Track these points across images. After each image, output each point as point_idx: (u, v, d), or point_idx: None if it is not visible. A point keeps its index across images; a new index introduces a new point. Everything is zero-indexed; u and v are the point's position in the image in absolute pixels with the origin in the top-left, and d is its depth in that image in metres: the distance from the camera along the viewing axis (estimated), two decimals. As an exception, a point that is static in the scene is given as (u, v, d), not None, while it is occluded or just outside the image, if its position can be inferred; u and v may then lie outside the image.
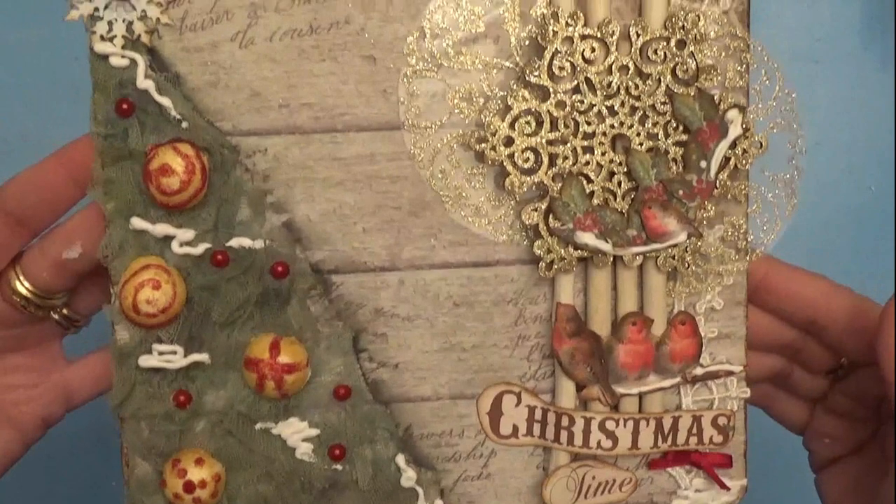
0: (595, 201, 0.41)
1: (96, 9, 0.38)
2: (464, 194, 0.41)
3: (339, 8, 0.40)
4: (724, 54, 0.41)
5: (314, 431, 0.42)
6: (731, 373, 0.43)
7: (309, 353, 0.41)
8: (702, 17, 0.40)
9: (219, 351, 0.41)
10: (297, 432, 0.42)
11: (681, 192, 0.41)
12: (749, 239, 0.43)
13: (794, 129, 0.42)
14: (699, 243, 0.42)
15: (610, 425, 0.42)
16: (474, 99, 0.40)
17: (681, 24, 0.40)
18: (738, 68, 0.41)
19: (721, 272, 0.43)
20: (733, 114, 0.40)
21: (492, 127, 0.40)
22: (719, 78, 0.41)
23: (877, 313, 0.41)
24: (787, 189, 0.42)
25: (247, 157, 0.40)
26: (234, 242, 0.40)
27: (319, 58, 0.40)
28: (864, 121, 0.58)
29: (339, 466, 0.42)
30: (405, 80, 0.40)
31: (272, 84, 0.40)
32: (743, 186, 0.42)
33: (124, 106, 0.39)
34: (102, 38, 0.38)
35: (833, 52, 0.58)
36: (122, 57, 0.39)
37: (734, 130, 0.41)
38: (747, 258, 0.43)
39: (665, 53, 0.40)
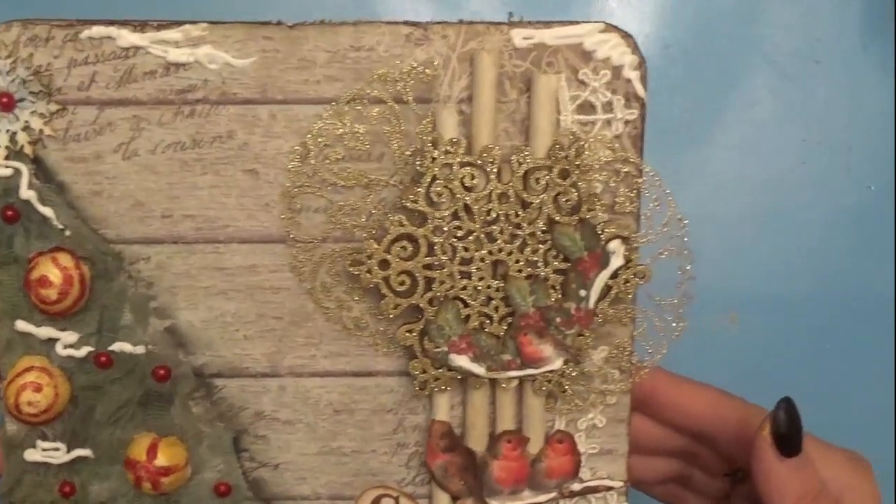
0: (471, 325, 0.41)
1: (-22, 122, 0.38)
2: (345, 307, 0.41)
3: (222, 123, 0.40)
4: (614, 179, 0.40)
5: (195, 525, 0.43)
6: (610, 488, 0.43)
7: (190, 451, 0.42)
8: (587, 147, 0.39)
9: (103, 446, 0.42)
10: (178, 525, 0.43)
11: (558, 319, 0.40)
12: (633, 361, 0.42)
13: (684, 255, 0.41)
14: (579, 367, 0.41)
15: (485, 534, 0.43)
16: (356, 216, 0.40)
17: (564, 153, 0.39)
18: (629, 193, 0.41)
19: (604, 391, 0.43)
20: (615, 244, 0.40)
21: (367, 250, 0.40)
22: (602, 206, 0.40)
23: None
24: (674, 313, 0.42)
25: (130, 265, 0.41)
26: (116, 347, 0.41)
27: (202, 171, 0.40)
28: (864, 121, 0.57)
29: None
30: (287, 195, 0.40)
31: (155, 195, 0.40)
32: (629, 310, 0.41)
33: (9, 213, 0.40)
34: (-16, 149, 0.39)
35: (833, 52, 0.57)
36: (6, 167, 0.39)
37: (616, 261, 0.40)
38: (631, 379, 0.42)
39: (547, 182, 0.39)
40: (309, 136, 0.40)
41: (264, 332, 0.42)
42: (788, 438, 0.39)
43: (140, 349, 0.41)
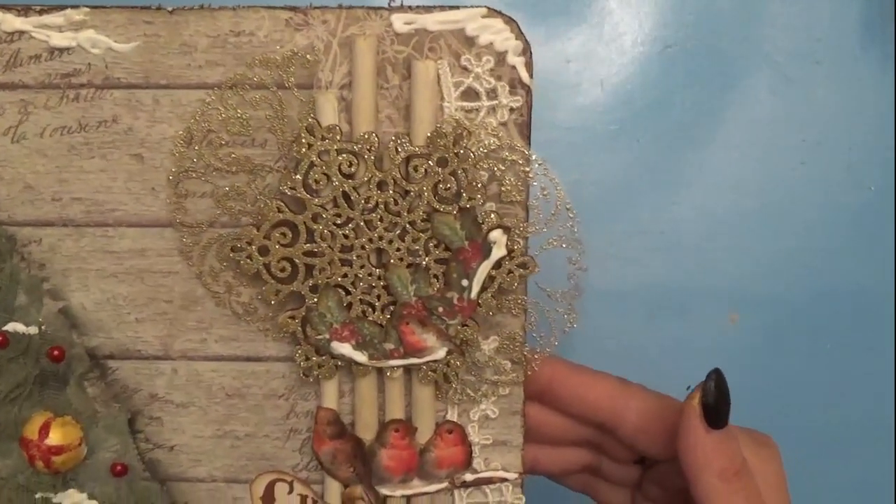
0: (353, 313, 0.40)
1: None
2: (234, 292, 0.41)
3: (107, 107, 0.40)
4: (500, 167, 0.40)
5: (93, 503, 0.44)
6: (505, 479, 0.43)
7: (86, 431, 0.43)
8: (469, 135, 0.39)
9: (3, 424, 0.43)
10: (76, 503, 0.44)
11: (441, 309, 0.40)
12: (525, 351, 0.42)
13: (575, 246, 0.40)
14: (467, 358, 0.41)
15: (377, 522, 0.43)
16: (241, 202, 0.40)
17: (443, 141, 0.38)
18: (516, 182, 0.40)
19: (496, 382, 0.42)
20: (497, 234, 0.39)
21: (247, 236, 0.40)
22: (486, 195, 0.39)
23: (667, 412, 0.41)
24: (566, 304, 0.41)
25: (23, 247, 0.41)
26: (10, 327, 0.42)
27: (89, 154, 0.40)
28: (864, 121, 0.56)
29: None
30: (173, 179, 0.40)
31: (44, 178, 0.41)
32: (519, 300, 0.41)
33: None
34: None
35: (833, 52, 0.56)
36: None
37: (498, 251, 0.39)
38: (523, 370, 0.42)
39: (426, 170, 0.39)
40: (192, 120, 0.40)
41: (155, 315, 0.42)
42: (717, 410, 0.39)
43: (34, 329, 0.42)
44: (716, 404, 0.39)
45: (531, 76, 0.39)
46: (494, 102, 0.39)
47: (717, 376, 0.39)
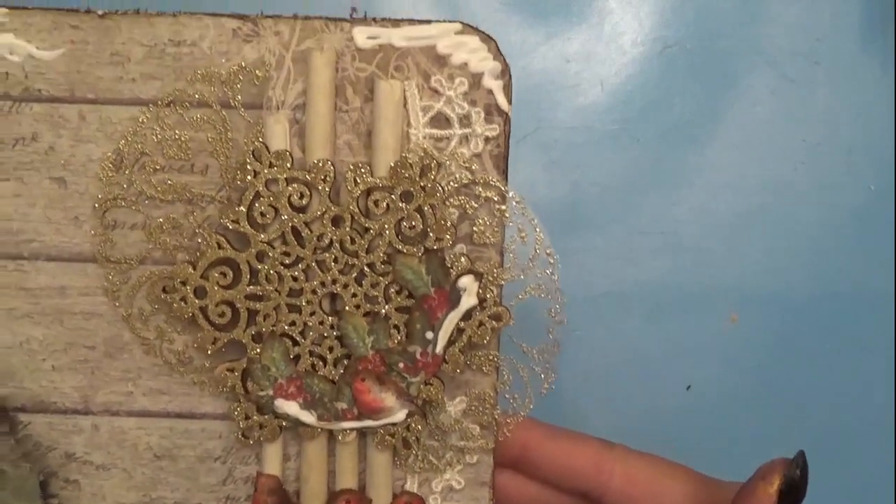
0: (301, 366, 0.35)
1: None
2: (166, 338, 0.36)
3: (25, 123, 0.35)
4: (472, 204, 0.35)
5: (-4, 576, 0.38)
6: (471, 560, 0.38)
7: (-10, 494, 0.37)
8: (438, 166, 0.34)
9: None
10: (-23, 576, 0.38)
11: (401, 364, 0.35)
12: (497, 414, 0.36)
13: (555, 296, 0.35)
14: (429, 421, 0.36)
15: None
16: (177, 235, 0.35)
17: (408, 173, 0.33)
18: (490, 222, 0.35)
19: (462, 448, 0.37)
20: (467, 281, 0.34)
21: (182, 275, 0.35)
22: (454, 235, 0.34)
23: (655, 474, 0.38)
24: (543, 362, 0.36)
25: (-78, 280, 0.36)
26: None
27: (3, 176, 0.35)
28: (864, 121, 0.56)
29: None
30: (99, 208, 0.35)
31: (-50, 202, 0.35)
32: (491, 356, 0.36)
33: None
34: None
35: (833, 52, 0.56)
36: None
37: (468, 300, 0.34)
38: (494, 435, 0.37)
39: (388, 205, 0.34)
40: (123, 141, 0.35)
41: (75, 362, 0.37)
42: (797, 499, 0.34)
43: (-68, 376, 0.36)
44: (798, 494, 0.34)
45: (510, 102, 0.34)
46: (468, 130, 0.35)
47: (803, 462, 0.34)
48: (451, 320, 0.35)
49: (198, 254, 0.35)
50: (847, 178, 0.56)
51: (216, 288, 0.35)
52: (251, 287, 0.35)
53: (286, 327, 0.35)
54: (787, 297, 0.55)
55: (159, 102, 0.35)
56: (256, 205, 0.34)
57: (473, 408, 0.37)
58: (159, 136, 0.35)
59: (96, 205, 0.35)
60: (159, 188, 0.35)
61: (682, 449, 0.51)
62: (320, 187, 0.34)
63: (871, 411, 0.56)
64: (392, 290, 0.35)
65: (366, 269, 0.35)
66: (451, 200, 0.35)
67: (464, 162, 0.35)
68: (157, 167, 0.35)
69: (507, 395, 0.37)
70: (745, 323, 0.55)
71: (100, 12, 0.34)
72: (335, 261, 0.34)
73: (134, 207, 0.35)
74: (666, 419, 0.53)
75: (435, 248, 0.34)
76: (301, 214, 0.34)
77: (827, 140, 0.55)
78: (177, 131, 0.35)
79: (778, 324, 0.55)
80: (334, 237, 0.34)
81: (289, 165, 0.34)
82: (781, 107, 0.54)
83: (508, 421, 0.37)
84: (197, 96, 0.35)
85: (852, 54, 0.56)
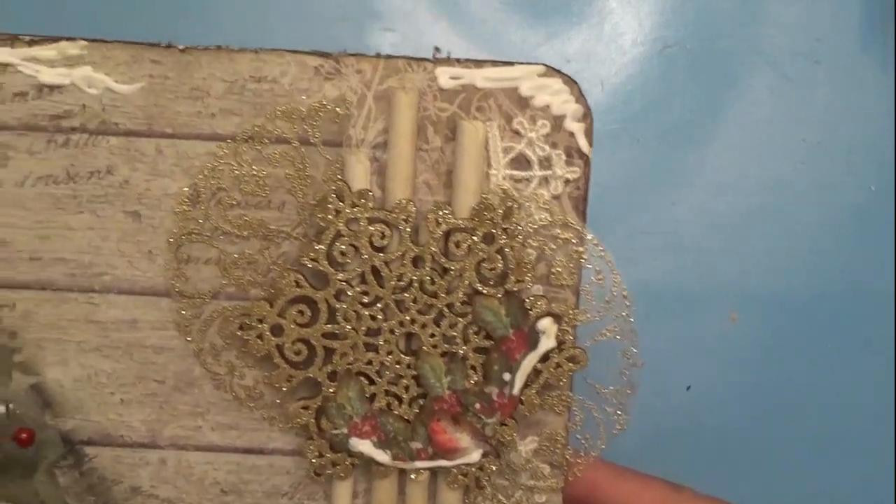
0: (376, 405, 0.35)
1: None
2: (237, 373, 0.36)
3: (101, 156, 0.35)
4: (550, 246, 0.35)
5: None
6: None
7: (54, 527, 0.37)
8: (519, 208, 0.34)
9: (-44, 515, 0.37)
10: None
11: (478, 405, 0.35)
12: (567, 454, 0.36)
13: (629, 336, 0.35)
14: (501, 460, 0.36)
15: None
16: (252, 271, 0.35)
17: (490, 214, 0.33)
18: (568, 264, 0.35)
19: (532, 488, 0.37)
20: (546, 323, 0.34)
21: (258, 312, 0.34)
22: (534, 277, 0.34)
23: None
24: (616, 404, 0.36)
25: (-8, 312, 0.36)
26: (-28, 404, 0.36)
27: (77, 209, 0.35)
28: (864, 121, 0.56)
29: None
30: (174, 242, 0.35)
31: (22, 234, 0.35)
32: (563, 396, 0.36)
33: None
34: None
35: (833, 52, 0.56)
36: None
37: (546, 342, 0.34)
38: (563, 475, 0.37)
39: (469, 246, 0.34)
40: (200, 176, 0.35)
41: (144, 396, 0.36)
42: None
43: (0, 408, 0.36)
44: None
45: (591, 144, 0.34)
46: (548, 172, 0.34)
47: None
48: (530, 362, 0.34)
49: (272, 290, 0.35)
50: (847, 177, 0.56)
51: (293, 326, 0.34)
52: (329, 326, 0.34)
53: (363, 366, 0.35)
54: (787, 297, 0.55)
55: (238, 138, 0.34)
56: (336, 244, 0.34)
57: (544, 447, 0.36)
58: (237, 172, 0.34)
59: (171, 239, 0.35)
60: (235, 223, 0.35)
61: (682, 449, 0.51)
62: (401, 227, 0.34)
63: (871, 411, 0.56)
64: (470, 330, 0.35)
65: (444, 309, 0.34)
66: (530, 241, 0.34)
67: (543, 203, 0.34)
68: (234, 202, 0.35)
69: (577, 436, 0.37)
70: (745, 323, 0.54)
71: (180, 47, 0.34)
72: (414, 301, 0.34)
73: (209, 242, 0.35)
74: (666, 419, 0.53)
75: (515, 289, 0.34)
76: (381, 254, 0.34)
77: (827, 140, 0.56)
78: (254, 167, 0.34)
79: (778, 324, 0.55)
80: (414, 277, 0.34)
81: (370, 205, 0.33)
82: (781, 106, 0.55)
83: (579, 461, 0.37)
84: (276, 132, 0.34)
85: (852, 54, 0.56)
